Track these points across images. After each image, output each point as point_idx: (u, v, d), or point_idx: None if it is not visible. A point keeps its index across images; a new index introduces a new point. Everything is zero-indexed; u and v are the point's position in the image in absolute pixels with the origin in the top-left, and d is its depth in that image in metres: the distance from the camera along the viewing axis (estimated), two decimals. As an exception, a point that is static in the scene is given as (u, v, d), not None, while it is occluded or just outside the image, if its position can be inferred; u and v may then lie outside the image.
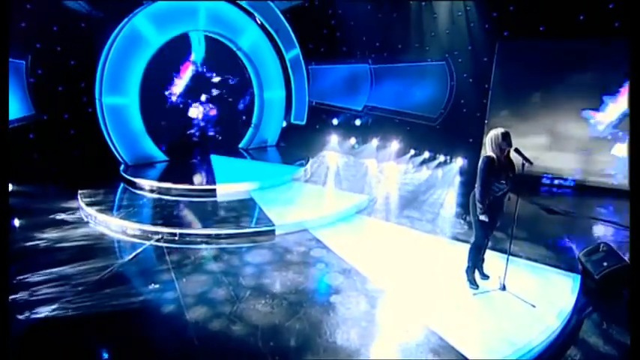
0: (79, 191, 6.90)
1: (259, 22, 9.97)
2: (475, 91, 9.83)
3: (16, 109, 7.40)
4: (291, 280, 4.68)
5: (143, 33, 8.14)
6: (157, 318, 3.92)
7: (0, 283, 2.76)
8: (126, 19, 7.91)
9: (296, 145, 11.04)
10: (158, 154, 8.84)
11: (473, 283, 4.55)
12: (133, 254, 5.18)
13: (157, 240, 5.60)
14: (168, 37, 8.57)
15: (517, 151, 4.16)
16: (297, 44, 10.76)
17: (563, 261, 5.36)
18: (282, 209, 6.56)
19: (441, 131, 10.51)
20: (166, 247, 5.41)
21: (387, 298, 4.36)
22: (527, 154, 4.07)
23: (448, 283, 4.66)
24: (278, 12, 10.25)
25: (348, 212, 6.73)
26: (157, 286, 4.44)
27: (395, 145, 11.05)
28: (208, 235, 5.70)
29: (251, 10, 9.67)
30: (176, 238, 5.66)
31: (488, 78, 9.44)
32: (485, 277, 4.71)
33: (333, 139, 11.63)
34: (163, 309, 4.04)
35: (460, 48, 9.96)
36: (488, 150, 4.21)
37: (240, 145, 10.71)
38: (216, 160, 8.98)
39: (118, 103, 8.17)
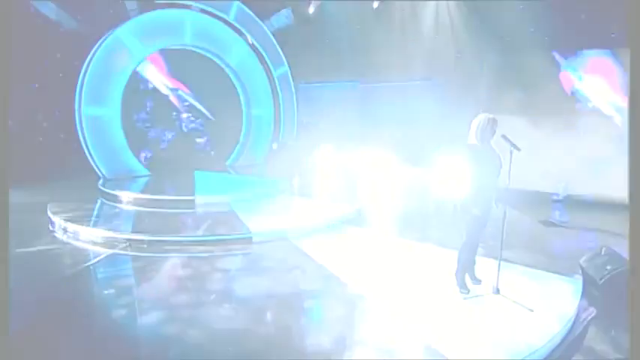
0: (49, 204, 6.49)
1: (250, 42, 9.97)
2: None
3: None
4: (261, 284, 4.25)
5: (127, 45, 8.06)
6: (107, 322, 3.48)
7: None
8: (110, 32, 7.83)
9: (286, 161, 10.78)
10: (138, 168, 8.54)
11: (463, 287, 4.12)
12: (93, 261, 4.76)
13: (124, 248, 5.19)
14: (152, 50, 8.50)
15: (504, 137, 3.87)
16: (285, 62, 10.73)
17: (561, 267, 4.95)
18: (263, 219, 6.18)
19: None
20: (132, 255, 5.00)
21: (367, 302, 3.92)
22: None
23: (435, 288, 4.24)
24: (266, 30, 10.28)
25: (333, 222, 6.35)
26: (112, 291, 4.01)
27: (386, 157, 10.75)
28: (179, 242, 5.30)
29: (238, 27, 9.67)
30: (144, 245, 5.25)
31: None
32: (477, 281, 4.28)
33: (324, 154, 11.36)
34: (114, 313, 3.60)
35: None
36: (471, 137, 3.93)
37: (228, 163, 10.44)
38: (199, 175, 8.66)
39: (98, 114, 7.96)
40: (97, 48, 7.76)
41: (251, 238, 5.49)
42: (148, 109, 9.04)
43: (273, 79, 10.63)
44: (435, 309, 3.85)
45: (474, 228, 3.99)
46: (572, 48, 8.48)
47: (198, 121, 9.82)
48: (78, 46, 7.75)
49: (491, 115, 3.89)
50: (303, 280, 4.39)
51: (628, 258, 2.40)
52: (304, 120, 11.42)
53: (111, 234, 5.39)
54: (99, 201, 7.08)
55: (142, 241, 5.26)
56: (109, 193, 7.20)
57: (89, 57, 7.73)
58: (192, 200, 6.84)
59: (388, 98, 10.90)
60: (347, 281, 4.35)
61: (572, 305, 3.92)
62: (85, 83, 7.71)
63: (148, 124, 9.08)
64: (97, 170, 8.05)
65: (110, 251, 5.06)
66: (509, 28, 8.96)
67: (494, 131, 3.88)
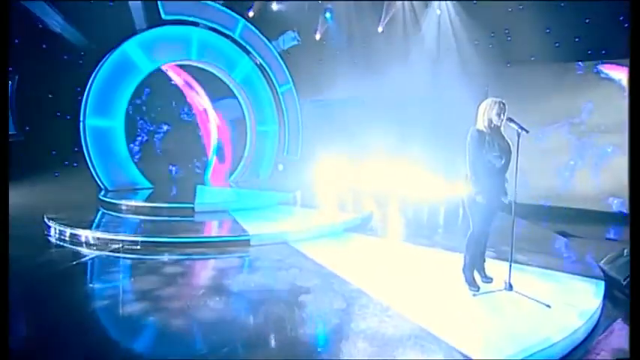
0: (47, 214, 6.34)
1: (258, 62, 10.09)
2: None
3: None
4: (255, 281, 3.99)
5: (133, 58, 8.18)
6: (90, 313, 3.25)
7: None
8: (117, 46, 7.97)
9: (291, 177, 10.66)
10: (141, 181, 8.45)
11: (472, 284, 3.81)
12: (82, 260, 4.57)
13: (117, 249, 4.99)
14: (158, 65, 8.62)
15: (511, 120, 3.67)
16: (290, 79, 10.80)
17: (580, 269, 4.61)
18: (262, 224, 5.96)
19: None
20: (124, 257, 4.80)
21: (367, 298, 3.62)
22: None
23: (442, 286, 3.94)
24: (271, 47, 10.43)
25: (336, 228, 6.10)
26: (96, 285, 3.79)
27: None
28: (173, 244, 5.09)
29: (244, 44, 9.82)
30: (138, 247, 5.05)
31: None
32: (487, 279, 3.97)
33: (330, 170, 11.23)
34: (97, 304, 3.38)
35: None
36: (479, 122, 3.74)
37: (231, 178, 10.33)
38: (200, 189, 8.52)
39: (103, 126, 7.97)
40: (104, 61, 7.87)
41: (249, 240, 5.26)
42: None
43: (278, 95, 10.66)
44: (443, 304, 3.55)
45: (480, 217, 3.73)
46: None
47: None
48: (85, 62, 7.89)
49: (498, 99, 3.72)
50: (299, 277, 4.12)
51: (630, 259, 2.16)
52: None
53: (107, 235, 5.22)
54: (99, 210, 6.95)
55: (135, 242, 5.08)
56: (109, 202, 7.08)
57: (96, 69, 7.82)
58: (192, 208, 6.67)
59: (392, 114, 10.85)
60: (347, 279, 4.07)
61: (593, 304, 3.58)
62: (90, 95, 7.77)
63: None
64: (98, 182, 7.97)
65: (104, 253, 4.87)
66: (514, 45, 9.03)
67: (503, 116, 3.68)
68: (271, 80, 10.50)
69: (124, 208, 6.86)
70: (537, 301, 3.51)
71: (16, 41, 7.24)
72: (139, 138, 9.91)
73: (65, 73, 7.84)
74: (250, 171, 10.52)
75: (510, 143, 3.76)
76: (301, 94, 11.16)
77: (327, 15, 11.90)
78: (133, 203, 6.90)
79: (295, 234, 5.57)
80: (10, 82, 7.40)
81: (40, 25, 7.48)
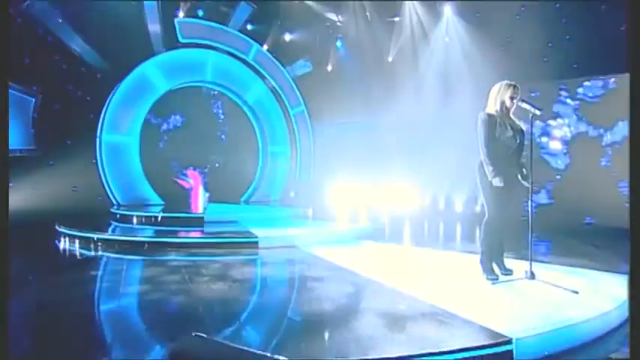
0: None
1: (271, 86, 10.38)
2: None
3: (16, 141, 7.45)
4: (263, 272, 3.85)
5: (150, 78, 8.49)
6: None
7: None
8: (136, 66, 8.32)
9: (303, 198, 10.59)
10: (153, 197, 8.49)
11: (490, 273, 3.60)
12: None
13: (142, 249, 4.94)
14: (174, 85, 8.90)
15: (523, 100, 3.60)
16: (302, 101, 11.01)
17: (609, 267, 4.33)
18: (272, 230, 5.85)
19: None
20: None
21: (378, 285, 3.44)
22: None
23: (459, 277, 3.73)
24: (283, 71, 10.73)
25: (347, 236, 5.95)
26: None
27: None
28: (179, 244, 5.00)
29: (257, 67, 10.13)
30: (145, 247, 4.98)
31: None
32: (507, 271, 3.73)
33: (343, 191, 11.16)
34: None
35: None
36: (489, 106, 3.68)
37: (242, 199, 10.31)
38: (211, 206, 8.50)
39: (118, 142, 8.15)
40: (123, 79, 8.18)
41: (257, 242, 5.14)
42: None
43: (290, 117, 10.84)
44: (460, 290, 3.34)
45: (495, 202, 3.57)
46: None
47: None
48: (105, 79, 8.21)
49: (512, 82, 3.68)
50: (309, 270, 3.96)
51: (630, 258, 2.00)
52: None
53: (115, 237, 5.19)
54: (110, 223, 6.96)
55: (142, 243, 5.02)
56: (120, 215, 7.10)
57: (115, 87, 8.12)
58: (202, 218, 6.63)
59: (403, 135, 10.89)
60: (357, 271, 3.90)
61: (624, 291, 3.31)
62: (107, 111, 8.01)
63: None
64: (110, 196, 8.04)
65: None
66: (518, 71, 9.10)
67: (515, 98, 3.62)
68: (283, 102, 10.72)
69: (135, 219, 6.86)
70: (563, 288, 3.27)
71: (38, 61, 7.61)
72: None
73: (85, 90, 8.15)
74: (262, 192, 10.51)
75: (522, 125, 3.68)
76: (313, 117, 11.34)
77: (338, 44, 12.32)
78: (144, 214, 6.91)
79: (305, 238, 5.44)
80: (33, 99, 7.72)
81: (63, 46, 7.87)
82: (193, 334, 1.76)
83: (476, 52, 10.00)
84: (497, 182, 3.47)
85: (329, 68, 12.12)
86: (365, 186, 10.97)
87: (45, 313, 2.90)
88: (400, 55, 11.56)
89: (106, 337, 2.54)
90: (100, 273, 4.08)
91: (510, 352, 2.26)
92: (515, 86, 3.64)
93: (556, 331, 2.45)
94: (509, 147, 3.55)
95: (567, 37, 8.27)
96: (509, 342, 2.25)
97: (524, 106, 3.58)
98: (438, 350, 2.10)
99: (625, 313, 3.05)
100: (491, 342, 2.24)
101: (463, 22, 10.04)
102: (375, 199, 10.48)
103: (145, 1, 8.70)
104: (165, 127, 10.59)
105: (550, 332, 2.43)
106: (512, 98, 3.60)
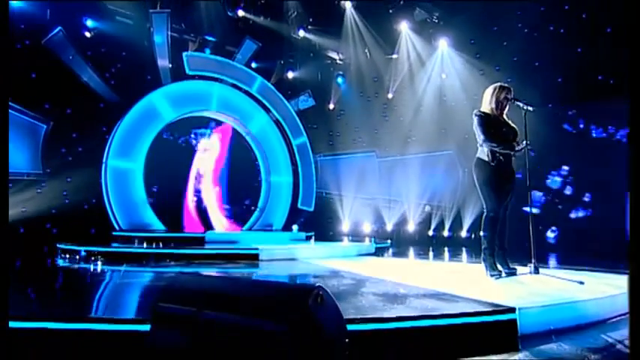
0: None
1: (274, 118, 10.70)
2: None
3: (25, 165, 7.61)
4: (263, 272, 3.80)
5: (158, 107, 8.80)
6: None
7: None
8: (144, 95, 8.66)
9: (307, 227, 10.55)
10: (156, 223, 8.49)
11: (493, 268, 3.54)
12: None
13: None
14: (180, 114, 9.20)
15: (516, 99, 3.73)
16: (304, 132, 11.26)
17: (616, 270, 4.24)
18: (272, 246, 5.81)
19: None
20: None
21: (378, 280, 3.38)
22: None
23: (463, 273, 3.66)
24: (287, 104, 11.08)
25: (349, 252, 5.88)
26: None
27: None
28: (177, 255, 4.96)
29: (260, 98, 10.48)
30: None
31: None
32: (511, 270, 3.66)
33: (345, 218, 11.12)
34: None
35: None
36: (484, 106, 3.81)
37: (244, 229, 10.27)
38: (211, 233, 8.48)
39: (123, 167, 8.30)
40: (131, 108, 8.48)
41: (258, 254, 5.09)
42: None
43: (293, 147, 11.04)
44: (463, 282, 3.28)
45: (492, 195, 3.59)
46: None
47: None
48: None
49: (504, 84, 3.83)
50: (309, 270, 3.90)
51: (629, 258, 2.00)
52: (323, 192, 11.48)
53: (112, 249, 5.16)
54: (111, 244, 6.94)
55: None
56: (121, 236, 7.10)
57: (123, 115, 8.40)
58: (203, 237, 6.61)
59: (406, 169, 11.03)
60: (357, 272, 3.84)
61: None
62: (114, 137, 8.24)
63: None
64: (113, 220, 8.06)
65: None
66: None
67: (508, 99, 3.75)
68: (286, 133, 10.98)
69: (136, 240, 6.86)
70: (569, 280, 3.21)
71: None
72: None
73: (93, 119, 8.40)
74: (264, 221, 10.48)
75: (515, 126, 3.79)
76: (316, 148, 11.55)
77: (339, 80, 12.79)
78: (144, 235, 6.91)
79: (306, 251, 5.39)
80: (44, 125, 7.96)
81: (75, 76, 8.23)
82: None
83: (473, 83, 10.37)
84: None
85: (331, 106, 12.47)
86: (367, 208, 11.01)
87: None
88: (400, 91, 11.97)
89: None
90: (95, 280, 4.04)
91: (514, 323, 2.19)
92: (508, 88, 3.79)
93: (561, 306, 2.39)
94: (504, 143, 3.63)
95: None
96: (512, 311, 2.19)
97: (518, 103, 3.71)
98: (437, 314, 2.05)
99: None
100: (493, 309, 2.18)
101: (459, 55, 10.47)
102: (377, 220, 10.44)
103: (155, 39, 9.20)
104: None
105: (555, 306, 2.37)
106: (506, 98, 3.74)
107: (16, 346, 1.82)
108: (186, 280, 1.57)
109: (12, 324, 1.80)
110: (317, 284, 1.32)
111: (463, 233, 9.57)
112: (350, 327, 1.77)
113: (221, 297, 1.37)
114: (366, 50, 11.79)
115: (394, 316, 1.96)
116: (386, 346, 1.91)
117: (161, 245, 6.56)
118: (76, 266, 5.00)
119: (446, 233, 9.99)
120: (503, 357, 1.90)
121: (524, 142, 3.61)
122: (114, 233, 7.52)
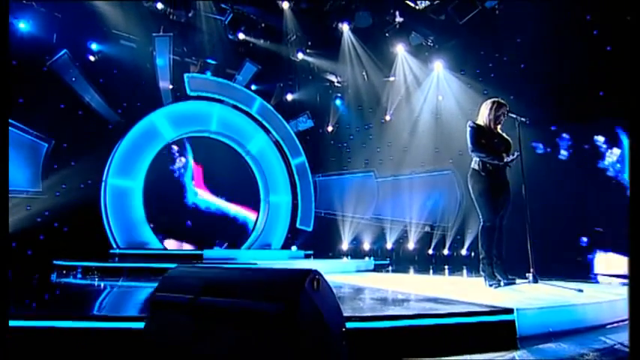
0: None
1: (274, 139, 10.82)
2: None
3: (25, 183, 7.63)
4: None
5: (158, 127, 8.92)
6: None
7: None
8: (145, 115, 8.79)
9: (305, 247, 10.49)
10: (154, 242, 8.45)
11: (491, 278, 3.53)
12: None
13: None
14: (180, 134, 9.31)
15: (510, 112, 3.83)
16: (302, 152, 11.37)
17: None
18: (271, 262, 5.78)
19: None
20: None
21: (376, 288, 3.37)
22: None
23: (461, 284, 3.64)
24: (286, 125, 11.23)
25: (349, 268, 5.85)
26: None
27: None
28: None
29: (260, 119, 10.64)
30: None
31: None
32: (510, 280, 3.66)
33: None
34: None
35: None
36: (479, 119, 3.90)
37: (243, 248, 10.21)
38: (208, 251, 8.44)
39: (123, 185, 8.34)
40: (132, 127, 8.59)
41: (256, 266, 5.06)
42: None
43: (292, 167, 11.12)
44: (463, 291, 3.26)
45: (488, 205, 3.62)
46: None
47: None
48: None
49: (501, 100, 3.93)
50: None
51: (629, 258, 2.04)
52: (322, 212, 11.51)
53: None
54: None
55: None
56: (119, 254, 7.06)
57: (124, 134, 8.50)
58: (201, 254, 6.58)
59: (405, 188, 11.08)
60: (353, 283, 3.82)
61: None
62: (115, 156, 8.31)
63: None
64: (110, 239, 8.03)
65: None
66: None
67: (502, 114, 3.85)
68: (285, 153, 11.08)
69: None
70: (568, 288, 3.20)
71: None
72: None
73: (94, 138, 8.49)
74: (262, 240, 10.44)
75: (511, 141, 3.87)
76: (314, 168, 11.64)
77: (338, 102, 13.01)
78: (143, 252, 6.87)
79: (303, 266, 5.35)
80: (46, 144, 8.04)
81: (77, 97, 8.39)
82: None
83: (469, 103, 10.56)
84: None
85: (329, 128, 12.65)
86: (366, 227, 10.98)
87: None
88: (397, 112, 12.16)
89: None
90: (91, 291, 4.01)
91: (513, 324, 2.18)
92: (505, 104, 3.89)
93: (560, 308, 2.39)
94: (497, 154, 3.69)
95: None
96: (510, 311, 2.19)
97: (512, 115, 3.80)
98: (433, 313, 2.05)
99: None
100: (491, 310, 2.18)
101: (454, 76, 10.70)
102: (376, 239, 10.40)
103: (157, 62, 9.41)
104: None
105: (554, 308, 2.36)
106: (503, 113, 3.84)
107: (16, 346, 1.80)
108: (183, 270, 1.58)
109: (12, 323, 1.79)
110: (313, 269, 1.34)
111: (463, 251, 9.52)
112: (348, 324, 1.77)
113: (219, 283, 1.38)
114: (364, 73, 12.05)
115: (390, 314, 1.96)
116: (383, 344, 1.89)
117: (156, 254, 6.54)
118: (73, 281, 4.96)
119: (446, 252, 9.94)
120: (502, 354, 1.88)
121: (516, 154, 3.67)
122: (111, 251, 7.47)
